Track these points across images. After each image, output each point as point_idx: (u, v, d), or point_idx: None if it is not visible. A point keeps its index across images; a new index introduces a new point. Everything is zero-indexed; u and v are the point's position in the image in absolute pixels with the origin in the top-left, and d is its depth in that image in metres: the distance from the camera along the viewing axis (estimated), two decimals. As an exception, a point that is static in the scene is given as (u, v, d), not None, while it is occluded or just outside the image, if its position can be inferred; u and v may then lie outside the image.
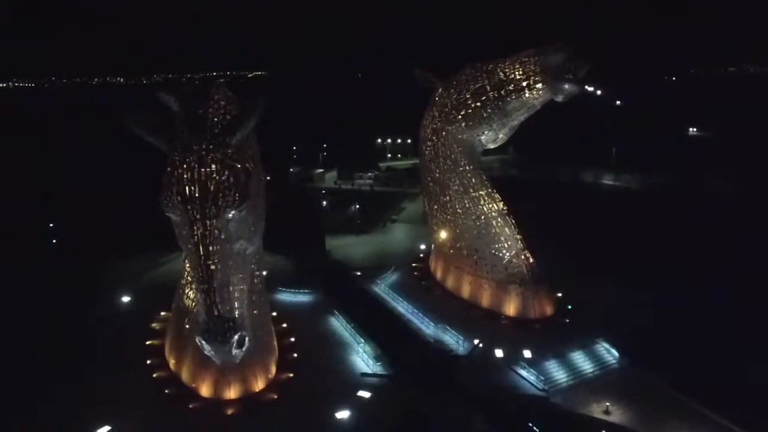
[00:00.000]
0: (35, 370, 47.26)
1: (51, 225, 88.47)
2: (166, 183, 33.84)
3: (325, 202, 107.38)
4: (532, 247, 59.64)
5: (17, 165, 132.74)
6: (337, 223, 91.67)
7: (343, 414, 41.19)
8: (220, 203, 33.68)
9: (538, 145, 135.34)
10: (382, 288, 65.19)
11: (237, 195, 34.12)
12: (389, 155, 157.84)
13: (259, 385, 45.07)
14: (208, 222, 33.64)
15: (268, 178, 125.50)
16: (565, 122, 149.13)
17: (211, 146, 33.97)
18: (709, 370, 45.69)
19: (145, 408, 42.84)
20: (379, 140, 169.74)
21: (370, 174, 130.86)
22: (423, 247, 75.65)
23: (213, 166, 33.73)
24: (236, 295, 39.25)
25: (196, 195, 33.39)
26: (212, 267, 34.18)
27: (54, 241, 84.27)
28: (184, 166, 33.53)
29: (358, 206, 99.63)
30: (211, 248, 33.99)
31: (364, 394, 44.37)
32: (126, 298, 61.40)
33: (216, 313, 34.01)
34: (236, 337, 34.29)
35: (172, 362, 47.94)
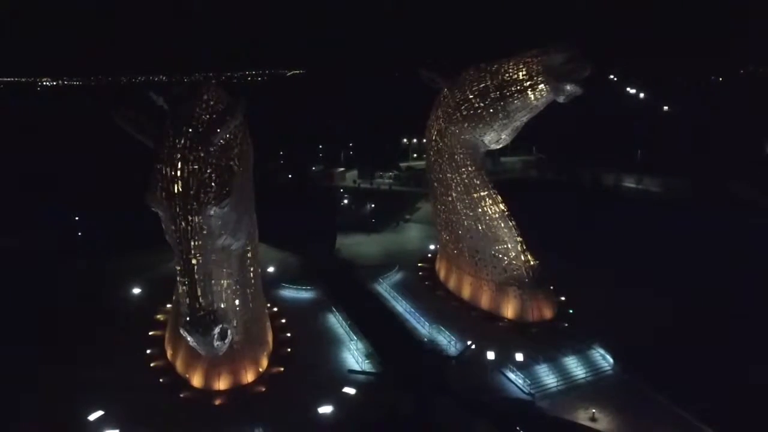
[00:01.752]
0: (36, 360, 49.00)
1: (77, 218, 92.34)
2: (152, 179, 35.41)
3: (345, 200, 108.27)
4: (541, 250, 58.92)
5: (29, 163, 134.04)
6: (350, 222, 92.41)
7: (325, 409, 41.87)
8: (201, 199, 35.04)
9: (564, 147, 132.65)
10: (383, 287, 65.58)
11: (219, 192, 35.43)
12: (414, 155, 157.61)
13: (248, 377, 46.23)
14: (190, 217, 35.01)
15: (290, 176, 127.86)
16: (597, 124, 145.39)
17: (194, 144, 35.37)
18: (706, 380, 44.44)
19: (139, 395, 44.34)
20: (405, 140, 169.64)
21: (390, 173, 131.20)
22: (432, 247, 75.59)
23: (195, 164, 35.13)
24: (220, 288, 40.65)
25: (179, 191, 34.85)
26: (194, 261, 35.47)
27: (80, 234, 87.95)
28: (168, 163, 35.02)
29: (373, 205, 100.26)
30: (192, 243, 35.33)
31: (350, 390, 44.95)
32: (137, 290, 63.69)
33: (197, 305, 35.25)
34: (217, 329, 35.45)
35: (169, 352, 49.62)
